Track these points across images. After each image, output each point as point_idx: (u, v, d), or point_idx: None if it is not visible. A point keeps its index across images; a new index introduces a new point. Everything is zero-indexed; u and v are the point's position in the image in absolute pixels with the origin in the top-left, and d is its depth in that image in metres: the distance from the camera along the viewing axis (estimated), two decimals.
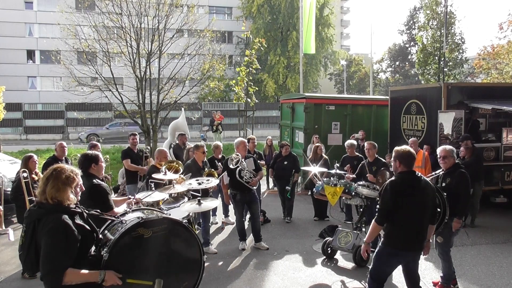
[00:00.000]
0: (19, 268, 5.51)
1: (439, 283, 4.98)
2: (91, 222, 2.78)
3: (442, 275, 4.97)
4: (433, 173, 5.24)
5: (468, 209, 4.89)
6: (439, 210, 3.96)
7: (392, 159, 3.96)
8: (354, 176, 6.85)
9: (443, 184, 4.86)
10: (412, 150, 3.86)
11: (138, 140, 8.04)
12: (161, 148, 6.61)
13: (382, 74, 48.75)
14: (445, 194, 4.64)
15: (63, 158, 6.84)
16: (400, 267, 4.01)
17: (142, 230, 2.98)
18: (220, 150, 7.51)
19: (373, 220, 3.82)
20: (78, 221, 2.67)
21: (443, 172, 4.93)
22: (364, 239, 3.99)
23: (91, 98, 13.50)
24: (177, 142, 9.15)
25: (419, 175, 3.78)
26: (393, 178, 3.81)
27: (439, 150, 5.01)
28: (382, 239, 3.91)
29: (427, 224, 3.85)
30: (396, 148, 3.91)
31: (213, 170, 6.27)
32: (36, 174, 5.99)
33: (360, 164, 6.99)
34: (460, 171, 4.80)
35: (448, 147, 4.98)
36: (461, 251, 6.27)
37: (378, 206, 3.83)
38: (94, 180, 3.71)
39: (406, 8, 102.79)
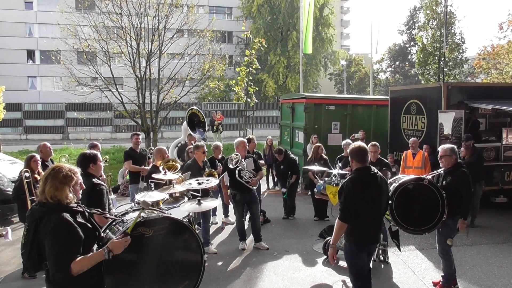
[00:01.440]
0: (19, 268, 5.51)
1: (440, 283, 4.98)
2: (92, 220, 2.80)
3: (442, 274, 4.96)
4: (435, 171, 5.22)
5: (471, 208, 4.88)
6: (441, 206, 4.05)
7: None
8: None
9: (444, 183, 4.83)
10: (364, 145, 3.91)
11: (140, 139, 8.03)
12: (160, 147, 6.61)
13: (382, 74, 48.77)
14: (444, 192, 4.63)
15: (49, 159, 6.75)
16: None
17: (143, 229, 2.99)
18: (220, 151, 7.51)
19: (337, 219, 3.77)
20: (80, 219, 2.69)
21: (444, 170, 4.91)
22: (330, 242, 3.91)
23: (91, 98, 13.51)
24: (186, 141, 9.09)
25: (375, 170, 3.85)
26: (351, 175, 3.84)
27: (439, 149, 5.01)
28: (344, 236, 3.96)
29: (383, 216, 4.02)
30: (351, 145, 4.00)
31: (213, 170, 6.27)
32: (39, 174, 5.98)
33: None
34: (461, 170, 4.77)
35: (447, 146, 4.94)
36: (461, 251, 6.27)
37: (341, 204, 3.81)
38: (94, 180, 3.71)
39: (406, 8, 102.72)
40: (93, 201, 3.61)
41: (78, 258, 2.55)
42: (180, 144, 9.61)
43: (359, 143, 3.98)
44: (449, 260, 4.85)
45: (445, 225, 4.72)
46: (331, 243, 3.91)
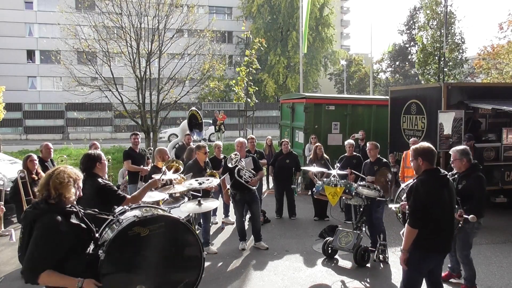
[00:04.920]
0: (19, 268, 5.48)
1: (463, 286, 4.96)
2: (87, 221, 2.79)
3: (464, 277, 4.94)
4: (450, 173, 5.13)
5: (483, 210, 4.73)
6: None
7: (411, 158, 3.74)
8: (361, 175, 6.77)
9: (459, 187, 4.70)
10: (432, 146, 3.69)
11: (139, 140, 8.03)
12: (161, 148, 6.61)
13: (382, 74, 48.71)
14: (458, 198, 4.48)
15: (49, 159, 6.73)
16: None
17: (139, 229, 2.95)
18: (220, 150, 7.53)
19: (406, 224, 3.54)
20: (74, 220, 2.68)
21: (458, 174, 4.79)
22: (401, 247, 3.63)
23: (91, 98, 13.49)
24: (183, 142, 9.12)
25: (444, 172, 3.63)
26: (422, 177, 3.57)
27: (450, 152, 4.93)
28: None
29: (454, 223, 3.66)
30: (415, 146, 3.73)
31: (214, 171, 6.27)
32: (37, 174, 5.96)
33: (363, 164, 7.01)
34: (477, 174, 4.65)
35: (457, 149, 4.81)
36: None
37: (409, 208, 3.58)
38: (99, 180, 3.69)
39: (406, 8, 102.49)
40: (107, 200, 3.59)
41: (52, 273, 2.53)
42: (178, 144, 9.62)
43: (426, 143, 3.72)
44: (469, 264, 4.83)
45: (462, 230, 4.67)
46: (402, 248, 3.60)
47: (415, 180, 3.63)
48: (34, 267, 2.51)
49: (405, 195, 4.24)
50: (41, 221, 2.56)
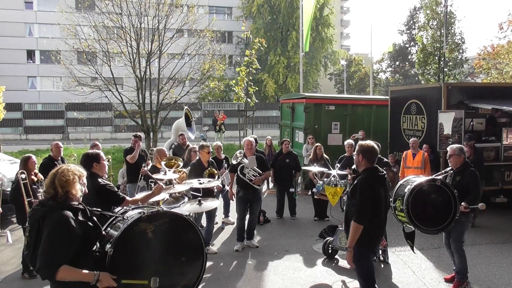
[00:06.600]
0: (19, 268, 5.52)
1: (455, 280, 5.03)
2: (94, 219, 2.82)
3: (457, 271, 5.02)
4: (443, 171, 5.29)
5: (477, 203, 4.90)
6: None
7: (355, 152, 3.96)
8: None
9: (454, 182, 4.92)
10: (376, 146, 3.90)
11: (140, 142, 8.03)
12: (160, 148, 6.62)
13: (382, 74, 48.70)
14: (456, 191, 4.67)
15: (59, 158, 6.77)
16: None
17: (145, 225, 3.00)
18: (221, 150, 7.54)
19: (353, 222, 3.66)
20: (81, 218, 2.71)
21: (452, 170, 5.01)
22: (347, 245, 3.82)
23: (91, 98, 13.51)
24: (178, 142, 9.15)
25: (383, 172, 3.85)
26: (363, 175, 3.77)
27: (448, 149, 5.15)
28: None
29: (386, 221, 3.98)
30: (361, 142, 3.94)
31: (214, 170, 6.27)
32: (36, 175, 5.96)
33: None
34: (471, 169, 4.90)
35: (455, 146, 5.07)
36: None
37: (356, 206, 3.71)
38: (99, 180, 3.70)
39: (406, 8, 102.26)
40: (107, 199, 3.62)
41: (70, 268, 2.55)
42: (173, 144, 9.66)
43: (371, 142, 3.92)
44: (463, 255, 4.94)
45: (458, 222, 4.79)
46: (347, 246, 3.79)
47: (357, 179, 3.81)
48: (50, 263, 2.52)
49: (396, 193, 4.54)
50: (50, 217, 2.58)
